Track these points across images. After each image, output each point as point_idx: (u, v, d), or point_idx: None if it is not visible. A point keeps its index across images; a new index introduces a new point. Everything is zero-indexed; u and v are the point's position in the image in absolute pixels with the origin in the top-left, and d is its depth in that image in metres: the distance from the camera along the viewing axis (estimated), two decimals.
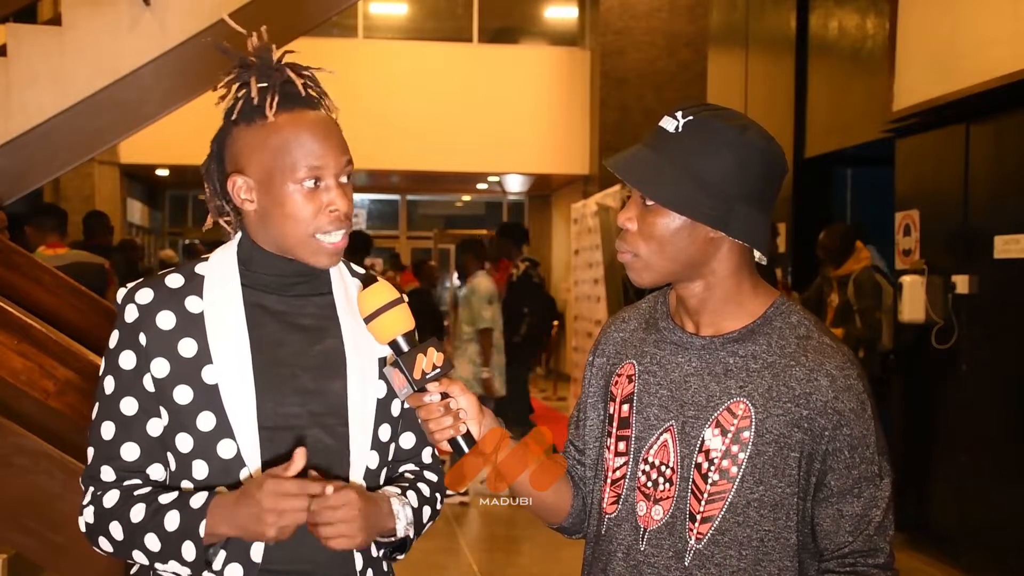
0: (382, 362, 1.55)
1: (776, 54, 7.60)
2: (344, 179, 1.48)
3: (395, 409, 1.58)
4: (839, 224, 6.27)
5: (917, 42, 5.44)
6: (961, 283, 5.09)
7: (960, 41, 5.07)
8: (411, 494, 1.56)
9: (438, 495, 1.64)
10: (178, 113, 5.03)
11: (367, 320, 1.45)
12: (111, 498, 1.46)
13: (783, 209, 7.09)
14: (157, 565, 1.46)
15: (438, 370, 1.44)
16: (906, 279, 5.37)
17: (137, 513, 1.43)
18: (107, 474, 1.48)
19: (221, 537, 1.41)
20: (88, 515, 1.48)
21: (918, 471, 5.46)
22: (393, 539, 1.51)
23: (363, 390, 1.53)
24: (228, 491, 1.43)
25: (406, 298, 1.52)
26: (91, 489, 1.49)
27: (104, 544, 1.48)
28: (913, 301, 5.29)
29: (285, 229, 1.46)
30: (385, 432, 1.56)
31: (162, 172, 13.97)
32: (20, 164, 4.06)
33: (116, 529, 1.45)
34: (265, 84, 1.46)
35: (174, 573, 1.47)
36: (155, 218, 15.97)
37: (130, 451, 1.47)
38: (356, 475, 1.51)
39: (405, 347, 1.44)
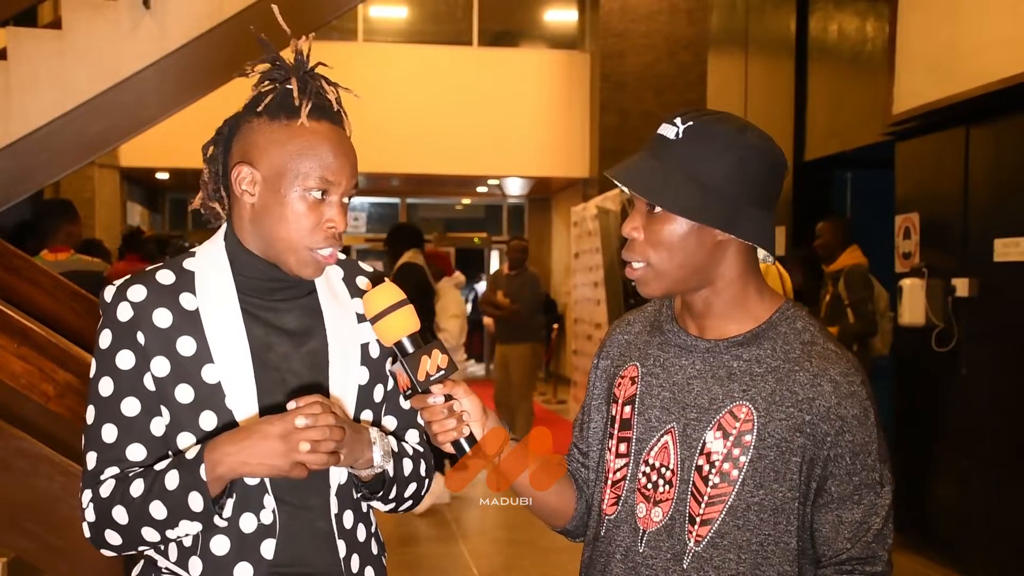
0: (363, 348, 1.56)
1: (776, 57, 7.59)
2: (346, 200, 1.49)
3: (378, 395, 1.58)
4: (835, 217, 6.18)
5: (917, 45, 5.44)
6: (961, 286, 5.09)
7: (960, 44, 5.07)
8: (392, 439, 1.56)
9: (422, 461, 1.62)
10: (178, 116, 5.03)
11: (373, 321, 1.45)
12: (107, 487, 1.43)
13: (783, 212, 7.09)
14: (161, 560, 1.45)
15: (442, 372, 1.44)
16: (906, 282, 5.37)
17: (137, 487, 1.40)
18: (111, 474, 1.45)
19: (224, 479, 1.39)
20: (90, 514, 1.44)
21: (918, 473, 5.46)
22: (370, 469, 1.48)
23: (344, 382, 1.52)
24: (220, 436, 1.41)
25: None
26: (90, 491, 1.46)
27: (111, 537, 1.43)
28: (913, 304, 5.29)
29: (279, 232, 1.46)
30: (367, 417, 1.56)
31: (162, 175, 13.97)
32: (20, 167, 4.05)
33: (120, 513, 1.41)
34: (302, 88, 1.47)
35: (172, 570, 1.47)
36: (155, 221, 15.95)
37: (136, 452, 1.45)
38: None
39: (410, 348, 1.44)
